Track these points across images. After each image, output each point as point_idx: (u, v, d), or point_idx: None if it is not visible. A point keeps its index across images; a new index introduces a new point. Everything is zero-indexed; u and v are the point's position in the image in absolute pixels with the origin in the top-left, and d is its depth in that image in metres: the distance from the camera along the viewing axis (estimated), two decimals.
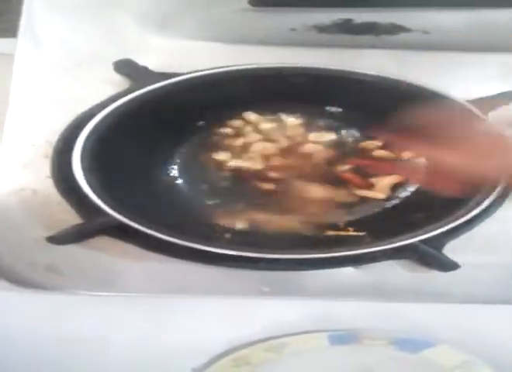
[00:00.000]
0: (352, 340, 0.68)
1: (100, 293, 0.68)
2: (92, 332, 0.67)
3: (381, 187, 0.79)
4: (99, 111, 0.82)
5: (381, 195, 0.78)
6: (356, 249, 0.70)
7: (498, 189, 0.75)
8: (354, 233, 0.75)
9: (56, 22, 0.93)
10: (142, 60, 0.89)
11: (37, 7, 0.93)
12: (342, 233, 0.75)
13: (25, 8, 0.92)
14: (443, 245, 0.71)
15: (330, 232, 0.75)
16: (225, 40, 0.92)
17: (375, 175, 0.80)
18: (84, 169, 0.75)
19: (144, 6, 0.94)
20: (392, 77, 0.87)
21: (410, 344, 0.68)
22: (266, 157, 0.82)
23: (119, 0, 0.94)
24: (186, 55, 0.91)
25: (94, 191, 0.73)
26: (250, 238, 0.74)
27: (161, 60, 0.90)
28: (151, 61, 0.89)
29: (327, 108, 0.88)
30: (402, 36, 0.93)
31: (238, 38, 0.93)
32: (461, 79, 0.88)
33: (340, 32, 0.94)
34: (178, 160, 0.81)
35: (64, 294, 0.67)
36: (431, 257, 0.70)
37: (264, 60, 0.90)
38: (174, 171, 0.80)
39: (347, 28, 0.93)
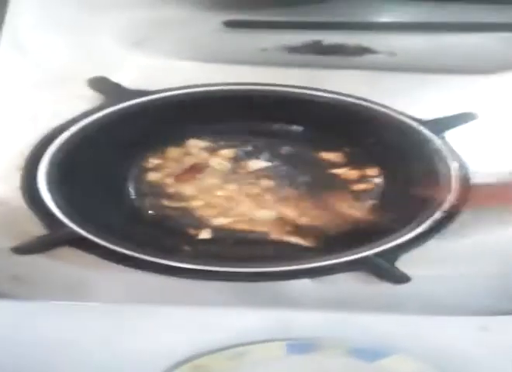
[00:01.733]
0: (310, 349, 0.68)
1: (62, 301, 0.68)
2: (54, 340, 0.67)
3: None
4: (72, 125, 0.82)
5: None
6: (312, 263, 0.71)
7: (447, 205, 0.76)
8: (306, 243, 0.75)
9: (34, 38, 0.93)
10: (117, 78, 0.89)
11: (17, 23, 0.93)
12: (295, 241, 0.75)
13: (6, 23, 0.93)
14: (396, 258, 0.71)
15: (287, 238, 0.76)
16: (198, 59, 0.93)
17: None
18: (50, 182, 0.76)
19: (121, 25, 0.95)
20: (350, 98, 0.87)
21: (367, 353, 0.68)
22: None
23: (96, 19, 0.96)
24: (160, 73, 0.91)
25: (57, 205, 0.74)
26: (211, 249, 0.75)
27: (136, 78, 0.90)
28: (126, 78, 0.89)
29: (292, 128, 0.87)
30: (369, 57, 0.94)
31: (211, 57, 0.93)
32: (422, 99, 0.88)
33: (310, 52, 0.95)
34: (143, 178, 0.81)
35: (26, 302, 0.67)
36: (384, 270, 0.70)
37: (235, 79, 0.90)
38: (137, 188, 0.80)
39: (317, 49, 0.95)
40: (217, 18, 0.96)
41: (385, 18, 0.97)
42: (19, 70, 0.90)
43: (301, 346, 0.68)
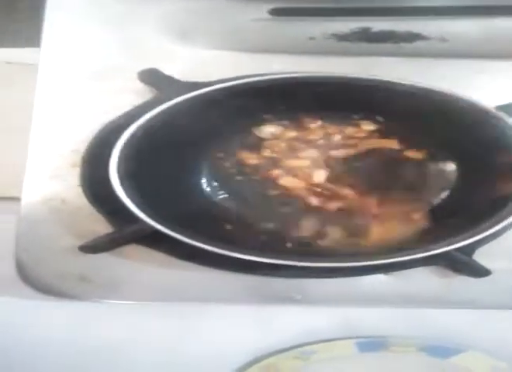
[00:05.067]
0: (380, 347, 0.66)
1: (129, 301, 0.65)
2: (121, 341, 0.65)
3: None
4: (127, 120, 0.78)
5: None
6: (388, 258, 0.67)
7: None
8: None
9: (79, 32, 0.89)
10: (165, 69, 0.85)
11: (60, 16, 0.89)
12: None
13: (47, 17, 0.88)
14: (473, 251, 0.68)
15: None
16: (245, 49, 0.89)
17: None
18: (121, 177, 0.72)
19: (166, 16, 0.91)
20: (418, 84, 0.83)
21: (440, 350, 0.66)
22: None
23: (141, 10, 0.91)
24: (209, 64, 0.87)
25: (131, 199, 0.70)
26: (282, 245, 0.70)
27: (184, 69, 0.86)
28: (174, 70, 0.85)
29: (354, 116, 0.84)
30: (420, 44, 0.89)
31: (258, 47, 0.89)
32: (477, 86, 0.84)
33: (358, 40, 0.90)
34: (212, 170, 0.77)
35: (93, 302, 0.65)
36: (463, 264, 0.67)
37: (284, 69, 0.86)
38: (210, 181, 0.77)
39: (366, 36, 0.90)
40: (262, 7, 0.92)
41: (435, 3, 0.92)
42: (63, 65, 0.86)
43: (371, 344, 0.66)
